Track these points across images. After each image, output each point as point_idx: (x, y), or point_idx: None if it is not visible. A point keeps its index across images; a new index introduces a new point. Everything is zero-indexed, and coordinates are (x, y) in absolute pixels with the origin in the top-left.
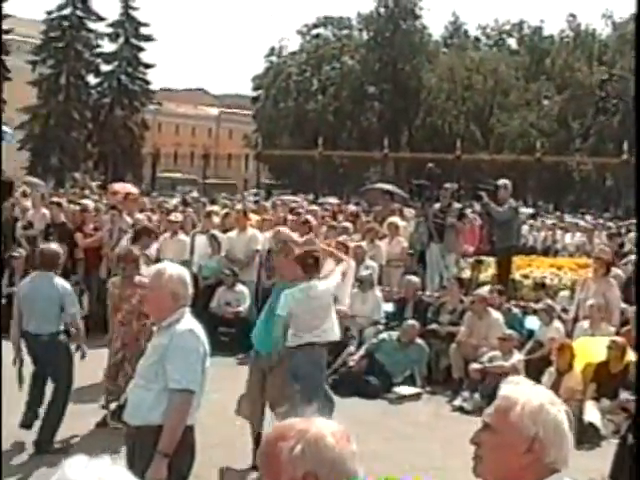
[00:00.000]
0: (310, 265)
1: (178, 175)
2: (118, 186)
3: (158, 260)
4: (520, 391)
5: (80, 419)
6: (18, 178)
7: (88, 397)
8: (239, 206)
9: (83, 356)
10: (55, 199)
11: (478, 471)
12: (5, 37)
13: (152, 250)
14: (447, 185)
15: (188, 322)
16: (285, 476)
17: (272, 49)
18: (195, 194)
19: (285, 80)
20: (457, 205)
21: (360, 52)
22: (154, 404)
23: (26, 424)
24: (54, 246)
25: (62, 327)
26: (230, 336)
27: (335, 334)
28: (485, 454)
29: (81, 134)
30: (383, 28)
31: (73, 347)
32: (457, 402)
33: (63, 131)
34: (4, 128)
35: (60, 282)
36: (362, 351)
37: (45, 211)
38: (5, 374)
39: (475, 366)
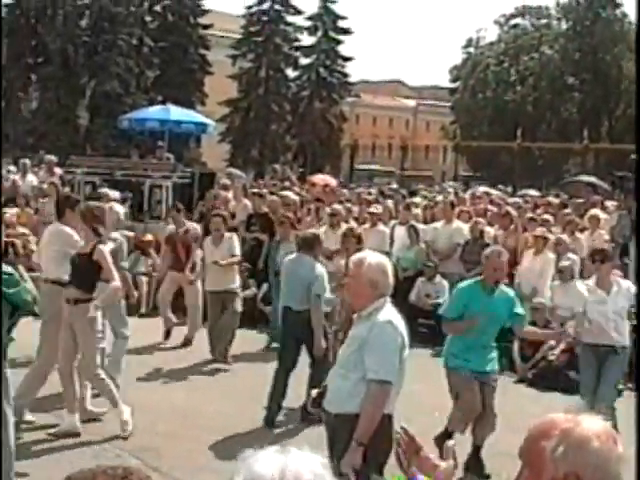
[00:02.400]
0: None
1: (375, 167)
2: (317, 178)
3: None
4: None
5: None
6: (219, 170)
7: None
8: (439, 198)
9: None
10: (256, 190)
11: None
12: (205, 32)
13: None
14: None
15: (388, 313)
16: (546, 474)
17: (470, 40)
18: (394, 185)
19: (483, 71)
20: None
21: (559, 42)
22: (352, 393)
23: (269, 420)
24: (312, 230)
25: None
26: (428, 328)
27: None
28: None
29: (280, 126)
30: (582, 17)
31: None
32: None
33: (263, 123)
34: (206, 120)
35: (312, 264)
36: (563, 345)
37: (247, 202)
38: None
39: None
